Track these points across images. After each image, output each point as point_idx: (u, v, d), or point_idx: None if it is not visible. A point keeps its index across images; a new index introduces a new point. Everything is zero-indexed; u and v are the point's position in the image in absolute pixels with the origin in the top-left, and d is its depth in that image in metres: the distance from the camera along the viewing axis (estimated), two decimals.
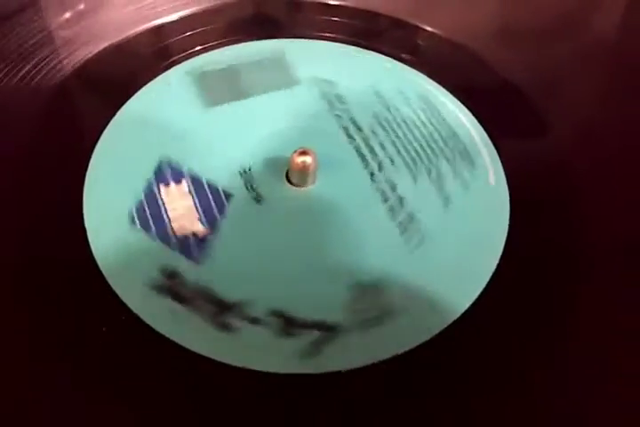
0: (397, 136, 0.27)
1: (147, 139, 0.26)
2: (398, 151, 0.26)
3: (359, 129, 0.27)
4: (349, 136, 0.27)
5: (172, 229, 0.23)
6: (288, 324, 0.21)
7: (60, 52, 0.29)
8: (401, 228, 0.24)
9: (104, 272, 0.22)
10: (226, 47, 0.30)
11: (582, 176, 0.26)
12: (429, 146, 0.26)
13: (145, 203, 0.24)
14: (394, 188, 0.25)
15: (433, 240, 0.23)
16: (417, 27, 0.32)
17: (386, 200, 0.24)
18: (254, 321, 0.21)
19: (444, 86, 0.29)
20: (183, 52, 0.30)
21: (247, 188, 0.25)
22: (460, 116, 0.28)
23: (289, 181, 0.25)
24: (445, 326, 0.21)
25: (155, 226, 0.23)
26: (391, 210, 0.24)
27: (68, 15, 0.31)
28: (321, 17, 0.32)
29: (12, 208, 0.24)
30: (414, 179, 0.25)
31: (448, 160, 0.26)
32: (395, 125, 0.27)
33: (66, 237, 0.23)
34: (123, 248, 0.23)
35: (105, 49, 0.30)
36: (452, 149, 0.26)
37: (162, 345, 0.20)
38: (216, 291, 0.22)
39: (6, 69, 0.28)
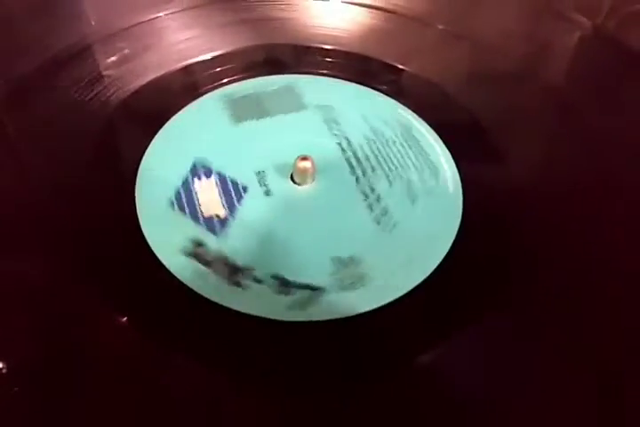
0: (380, 152, 0.32)
1: (185, 146, 0.31)
2: (379, 163, 0.31)
3: (350, 145, 0.32)
4: (342, 149, 0.32)
5: (201, 211, 0.29)
6: (283, 284, 0.26)
7: (108, 88, 0.34)
8: (377, 218, 0.29)
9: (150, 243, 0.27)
10: (246, 80, 0.35)
11: (524, 191, 0.30)
12: (404, 160, 0.31)
13: (182, 192, 0.29)
14: (373, 189, 0.30)
15: (401, 227, 0.28)
16: (400, 69, 0.36)
17: (366, 198, 0.30)
18: (258, 281, 0.26)
19: (420, 116, 0.34)
20: (209, 85, 0.35)
21: (260, 184, 0.30)
22: (431, 139, 0.33)
23: (293, 180, 0.30)
24: (405, 292, 0.26)
25: (188, 209, 0.29)
26: (369, 206, 0.29)
27: (114, 58, 0.35)
28: (321, 59, 0.37)
29: (78, 202, 0.28)
30: (390, 183, 0.30)
31: (418, 172, 0.31)
32: (378, 144, 0.32)
33: (121, 220, 0.28)
34: (164, 225, 0.28)
35: (146, 84, 0.34)
36: (421, 163, 0.31)
37: (189, 297, 0.25)
38: (230, 258, 0.27)
39: (68, 102, 0.33)
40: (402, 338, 0.25)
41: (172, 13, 0.38)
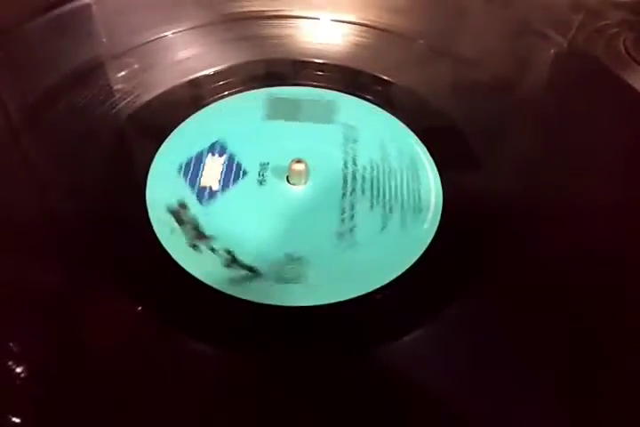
0: (378, 180, 0.33)
1: (210, 129, 0.35)
2: (372, 188, 0.33)
3: (355, 164, 0.34)
4: (345, 166, 0.34)
5: (200, 180, 0.32)
6: (231, 260, 0.29)
7: (119, 101, 0.36)
8: (341, 233, 0.31)
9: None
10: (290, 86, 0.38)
11: (503, 195, 0.32)
12: (396, 194, 0.33)
13: (193, 161, 0.33)
14: (352, 207, 0.32)
15: (359, 249, 0.30)
16: (387, 80, 0.38)
17: (342, 213, 0.31)
18: (213, 250, 0.29)
19: (409, 128, 0.36)
20: (213, 97, 0.37)
21: (259, 174, 0.33)
22: (417, 148, 0.35)
23: (288, 180, 0.33)
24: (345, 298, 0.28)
25: (190, 176, 0.33)
26: (342, 220, 0.31)
27: (125, 74, 0.37)
28: (315, 72, 0.39)
29: (92, 205, 0.31)
30: (371, 207, 0.32)
31: (402, 207, 0.32)
32: (381, 172, 0.34)
33: (131, 220, 0.31)
34: (164, 185, 0.32)
35: (154, 97, 0.36)
36: (410, 202, 0.32)
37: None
38: (200, 225, 0.30)
39: (80, 116, 0.35)
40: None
41: (177, 32, 0.40)
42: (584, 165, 0.33)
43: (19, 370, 0.24)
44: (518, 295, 0.28)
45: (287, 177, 0.33)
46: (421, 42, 0.41)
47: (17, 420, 0.23)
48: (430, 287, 0.29)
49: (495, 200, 0.32)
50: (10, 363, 0.24)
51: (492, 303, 0.28)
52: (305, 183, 0.33)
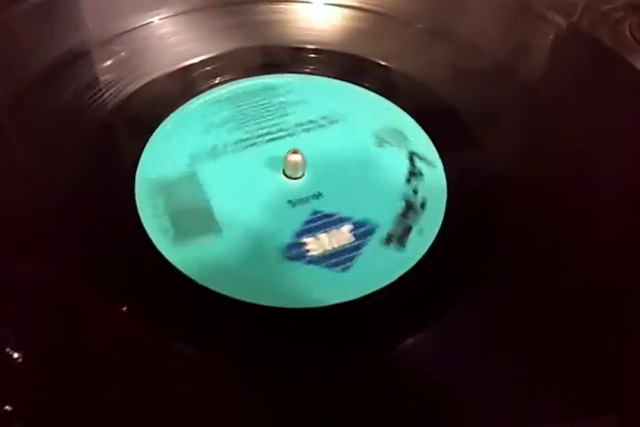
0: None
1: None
2: None
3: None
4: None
5: None
6: None
7: (105, 91, 0.34)
8: None
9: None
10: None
11: (500, 179, 0.31)
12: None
13: None
14: None
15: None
16: (384, 66, 0.37)
17: None
18: None
19: (407, 112, 0.35)
20: (203, 86, 0.36)
21: None
22: (417, 134, 0.34)
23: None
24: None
25: None
26: None
27: (111, 62, 0.36)
28: (309, 58, 0.38)
29: (78, 201, 0.29)
30: None
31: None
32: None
33: (120, 216, 0.29)
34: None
35: (142, 86, 0.35)
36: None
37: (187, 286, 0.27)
38: None
39: (66, 105, 0.33)
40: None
41: (165, 18, 0.39)
42: (587, 149, 0.33)
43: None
44: (530, 289, 0.27)
45: (283, 170, 0.31)
46: (419, 26, 0.40)
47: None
48: (440, 281, 0.28)
49: (497, 184, 0.31)
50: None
51: (502, 298, 0.27)
52: (301, 176, 0.31)
